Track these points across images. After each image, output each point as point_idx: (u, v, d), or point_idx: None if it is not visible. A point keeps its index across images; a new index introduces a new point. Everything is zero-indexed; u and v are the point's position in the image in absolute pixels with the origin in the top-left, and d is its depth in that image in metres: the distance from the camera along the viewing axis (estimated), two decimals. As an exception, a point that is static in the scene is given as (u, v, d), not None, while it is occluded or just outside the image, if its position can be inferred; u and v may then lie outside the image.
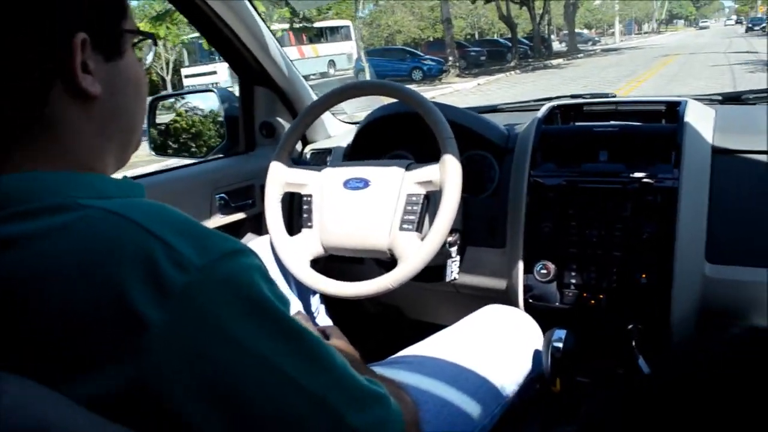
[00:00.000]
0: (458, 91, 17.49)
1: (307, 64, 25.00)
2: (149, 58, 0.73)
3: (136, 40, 0.68)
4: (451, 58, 22.95)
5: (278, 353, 0.55)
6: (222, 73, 21.15)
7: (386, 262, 1.51)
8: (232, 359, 0.52)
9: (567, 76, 19.32)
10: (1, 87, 0.56)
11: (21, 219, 0.53)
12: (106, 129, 0.64)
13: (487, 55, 28.27)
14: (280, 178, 1.48)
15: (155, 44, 0.74)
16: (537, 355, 1.26)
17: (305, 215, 1.46)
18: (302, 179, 1.47)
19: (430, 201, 1.35)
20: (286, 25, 25.88)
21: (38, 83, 0.57)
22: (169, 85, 23.20)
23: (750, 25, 50.18)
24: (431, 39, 32.30)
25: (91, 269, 0.50)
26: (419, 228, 1.33)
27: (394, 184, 1.37)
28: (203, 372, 0.51)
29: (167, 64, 23.13)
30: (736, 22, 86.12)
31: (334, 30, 29.37)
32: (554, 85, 15.84)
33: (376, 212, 1.36)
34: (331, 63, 28.55)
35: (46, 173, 0.57)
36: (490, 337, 1.29)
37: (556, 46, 41.85)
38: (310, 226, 1.45)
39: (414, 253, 1.28)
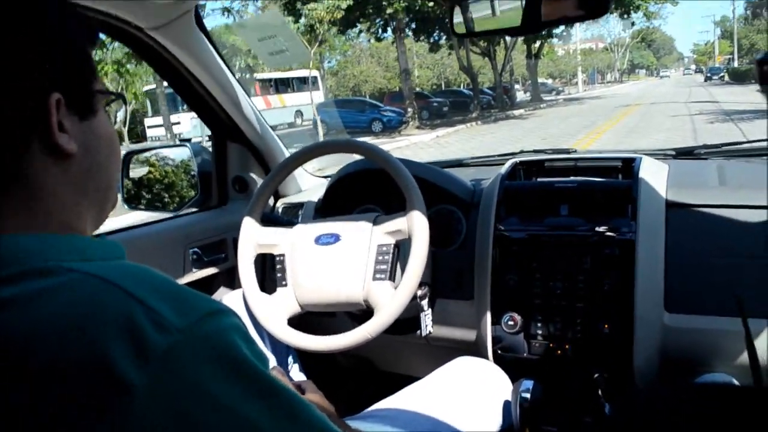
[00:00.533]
0: (415, 144, 17.40)
1: (273, 114, 24.97)
2: (120, 115, 0.76)
3: (108, 100, 0.70)
4: (410, 110, 22.79)
5: (259, 412, 0.56)
6: (185, 124, 20.90)
7: (358, 315, 1.54)
8: (214, 419, 0.53)
9: (527, 127, 19.57)
10: None
11: (5, 283, 0.54)
12: (83, 187, 0.65)
13: (450, 106, 28.20)
14: (252, 240, 1.50)
15: (125, 103, 0.77)
16: (506, 405, 1.29)
17: (279, 274, 1.48)
18: (274, 240, 1.50)
19: (401, 250, 1.39)
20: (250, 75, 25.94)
21: (17, 143, 0.59)
22: (126, 137, 21.72)
23: (709, 75, 52.52)
24: (396, 90, 31.97)
25: (74, 332, 0.52)
26: (392, 276, 1.37)
27: (363, 236, 1.40)
28: (184, 431, 0.52)
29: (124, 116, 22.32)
30: (696, 71, 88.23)
31: (301, 80, 29.01)
32: (515, 137, 15.82)
33: (348, 265, 1.39)
34: (299, 113, 28.52)
35: (30, 236, 0.59)
36: (461, 389, 1.32)
37: (521, 95, 42.67)
38: (285, 285, 1.46)
39: (389, 302, 1.31)
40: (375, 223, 1.42)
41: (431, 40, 27.17)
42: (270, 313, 1.45)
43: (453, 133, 20.25)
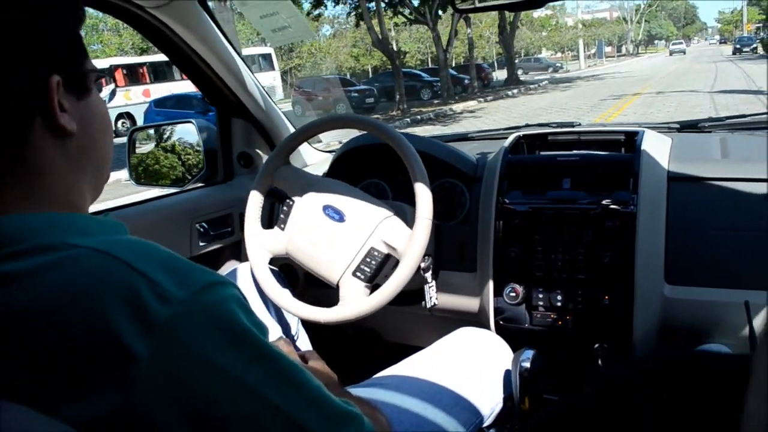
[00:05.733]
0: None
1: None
2: (104, 93, 0.78)
3: (96, 78, 0.72)
4: (297, 105, 19.43)
5: (256, 377, 0.59)
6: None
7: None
8: (214, 387, 0.56)
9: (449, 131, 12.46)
10: None
11: (12, 259, 0.57)
12: (81, 164, 0.68)
13: (379, 96, 22.32)
14: (269, 177, 1.52)
15: (114, 81, 0.79)
16: (507, 375, 1.32)
17: (282, 215, 1.50)
18: (289, 186, 1.51)
19: (389, 260, 1.39)
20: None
21: (21, 125, 0.61)
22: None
23: (738, 46, 44.77)
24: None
25: (79, 305, 0.54)
26: (370, 280, 1.38)
27: (365, 230, 1.40)
28: (187, 399, 0.55)
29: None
30: (720, 42, 79.76)
31: (253, 59, 25.23)
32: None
33: (339, 249, 1.40)
34: None
35: (33, 215, 0.62)
36: (464, 358, 1.34)
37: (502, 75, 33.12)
38: (282, 228, 1.49)
39: (353, 303, 1.34)
40: (382, 223, 1.40)
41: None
42: (259, 245, 1.48)
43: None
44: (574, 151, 1.61)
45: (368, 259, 1.38)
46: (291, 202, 1.49)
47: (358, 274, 1.37)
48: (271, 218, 1.80)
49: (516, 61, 43.97)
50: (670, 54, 57.66)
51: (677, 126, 1.81)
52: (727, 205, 1.37)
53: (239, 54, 1.76)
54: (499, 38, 28.75)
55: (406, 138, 1.40)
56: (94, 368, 0.53)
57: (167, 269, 0.58)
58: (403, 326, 1.86)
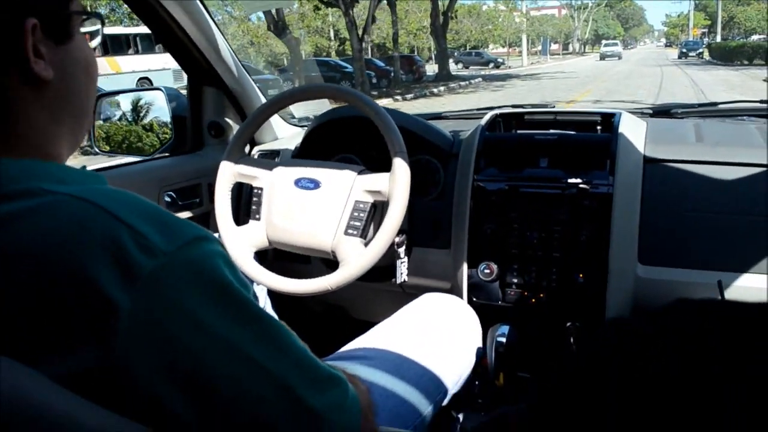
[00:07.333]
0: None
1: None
2: (97, 40, 0.74)
3: (82, 20, 0.68)
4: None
5: (241, 336, 0.57)
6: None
7: (334, 262, 1.54)
8: (197, 342, 0.54)
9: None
10: None
11: None
12: (59, 113, 0.64)
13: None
14: (232, 169, 1.49)
15: (102, 24, 0.74)
16: (478, 349, 1.32)
17: (254, 207, 1.48)
18: (254, 172, 1.49)
19: (377, 210, 1.39)
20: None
21: None
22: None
23: (684, 50, 42.52)
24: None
25: (59, 253, 0.51)
26: (363, 234, 1.37)
27: (344, 188, 1.40)
28: (169, 354, 0.53)
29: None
30: (666, 45, 79.67)
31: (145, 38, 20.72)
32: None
33: (323, 214, 1.39)
34: (145, 81, 20.25)
35: (8, 161, 0.58)
36: (429, 326, 1.32)
37: (452, 68, 31.20)
38: (258, 219, 1.47)
39: (356, 258, 1.32)
40: (358, 176, 1.41)
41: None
42: (238, 242, 1.46)
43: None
44: (551, 131, 1.61)
45: (356, 213, 1.37)
46: (259, 191, 1.47)
47: (350, 231, 1.36)
48: (238, 213, 1.74)
49: (455, 54, 41.94)
50: (601, 58, 47.69)
51: (650, 111, 1.83)
52: (701, 188, 1.38)
53: (214, 21, 1.71)
54: (431, 28, 25.48)
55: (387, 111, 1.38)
56: (72, 320, 0.50)
57: (152, 221, 0.55)
58: (373, 303, 1.84)
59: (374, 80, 21.98)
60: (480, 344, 1.34)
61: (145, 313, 0.51)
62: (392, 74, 23.27)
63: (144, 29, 18.81)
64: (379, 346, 1.23)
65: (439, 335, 1.29)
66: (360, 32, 19.08)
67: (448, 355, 1.25)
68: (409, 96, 19.47)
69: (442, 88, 21.63)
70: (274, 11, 16.70)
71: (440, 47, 26.18)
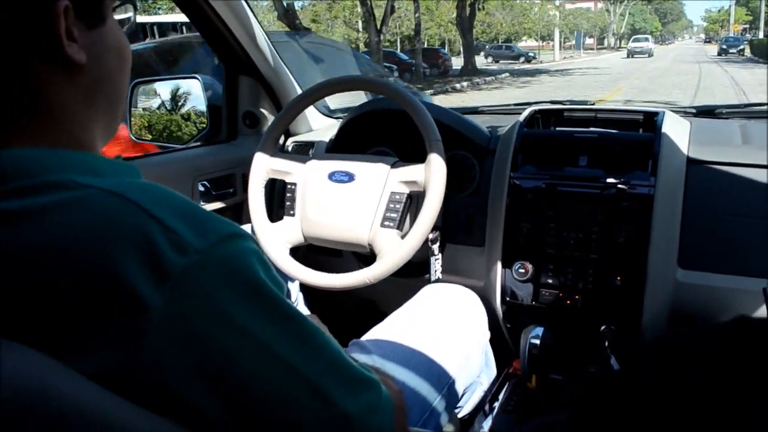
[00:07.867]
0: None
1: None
2: (128, 27, 0.72)
3: (115, 5, 0.67)
4: None
5: (274, 337, 0.56)
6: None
7: (365, 256, 1.53)
8: (229, 342, 0.53)
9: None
10: None
11: (20, 195, 0.52)
12: (92, 99, 0.63)
13: None
14: (265, 165, 1.49)
15: (135, 8, 0.73)
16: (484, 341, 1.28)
17: (288, 203, 1.48)
18: (287, 167, 1.49)
19: (413, 201, 1.38)
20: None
21: (25, 55, 0.56)
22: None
23: (724, 47, 40.07)
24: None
25: (88, 249, 0.50)
26: (400, 226, 1.36)
27: (378, 180, 1.39)
28: (200, 354, 0.52)
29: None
30: (705, 42, 76.56)
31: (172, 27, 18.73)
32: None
33: (359, 207, 1.38)
34: None
35: (41, 150, 0.57)
36: (428, 315, 1.31)
37: (481, 62, 31.18)
38: (292, 215, 1.47)
39: (393, 250, 1.30)
40: (392, 167, 1.40)
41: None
42: (273, 239, 1.45)
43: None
44: (592, 129, 1.58)
45: (391, 205, 1.36)
46: (293, 186, 1.46)
47: (387, 223, 1.36)
48: (272, 209, 1.74)
49: (486, 47, 41.20)
50: (628, 55, 43.84)
51: (693, 111, 1.78)
52: (746, 192, 1.34)
53: (251, 9, 1.71)
54: (456, 20, 25.12)
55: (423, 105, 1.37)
56: (101, 317, 0.49)
57: (185, 217, 0.54)
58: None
59: (396, 73, 20.62)
60: (485, 327, 1.34)
61: (176, 312, 0.50)
62: (413, 68, 22.65)
63: (161, 18, 19.54)
64: (389, 338, 1.21)
65: (437, 324, 1.28)
66: (378, 24, 18.39)
67: (450, 343, 1.23)
68: (429, 92, 17.99)
69: (465, 84, 21.02)
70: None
71: (466, 41, 25.75)
